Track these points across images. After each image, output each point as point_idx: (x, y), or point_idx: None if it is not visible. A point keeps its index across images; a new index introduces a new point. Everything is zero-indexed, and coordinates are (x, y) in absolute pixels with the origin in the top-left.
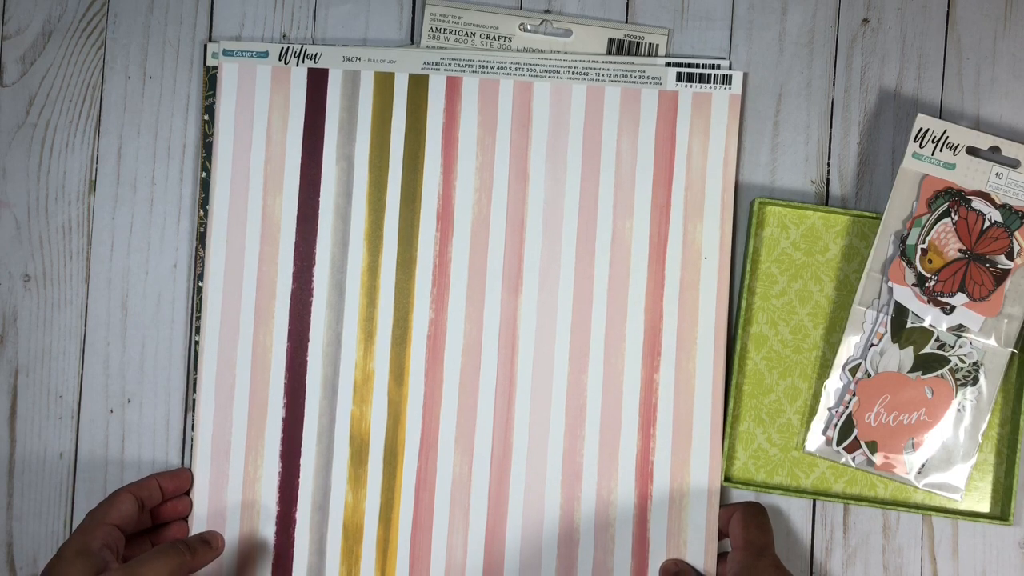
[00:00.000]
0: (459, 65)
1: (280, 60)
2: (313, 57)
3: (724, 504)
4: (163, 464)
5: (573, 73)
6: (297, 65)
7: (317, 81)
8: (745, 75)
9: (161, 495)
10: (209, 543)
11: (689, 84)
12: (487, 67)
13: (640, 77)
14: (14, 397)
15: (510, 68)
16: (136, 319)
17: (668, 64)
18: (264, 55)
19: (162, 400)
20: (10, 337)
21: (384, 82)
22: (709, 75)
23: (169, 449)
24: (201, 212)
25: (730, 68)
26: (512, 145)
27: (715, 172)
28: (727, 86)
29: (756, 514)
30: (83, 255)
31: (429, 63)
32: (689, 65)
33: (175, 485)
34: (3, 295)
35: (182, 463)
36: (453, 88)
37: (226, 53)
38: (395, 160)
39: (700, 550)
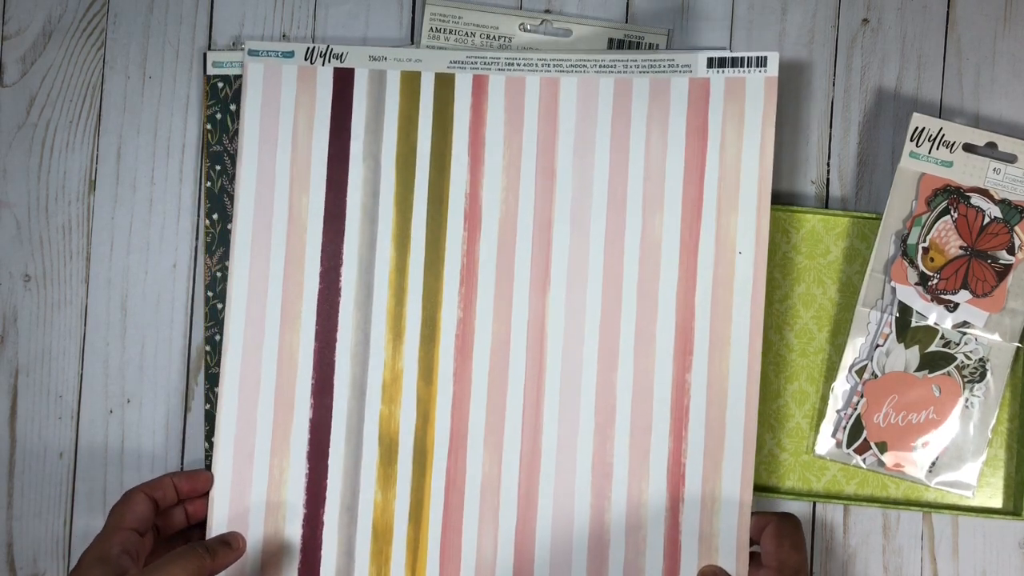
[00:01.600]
0: (485, 63)
1: (306, 60)
2: (339, 57)
3: (757, 512)
4: (163, 465)
5: (600, 67)
6: (323, 65)
7: (343, 81)
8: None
9: (176, 495)
10: (229, 544)
11: (721, 70)
12: (513, 64)
13: (669, 66)
14: (14, 397)
15: (536, 65)
16: (136, 319)
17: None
18: (290, 55)
19: (162, 400)
20: (10, 337)
21: (410, 81)
22: (742, 58)
23: (169, 449)
24: (207, 221)
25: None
26: (539, 142)
27: (751, 161)
28: (762, 69)
29: (791, 531)
30: (83, 255)
31: (455, 62)
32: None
33: (190, 486)
34: (3, 295)
35: (181, 463)
36: (479, 86)
37: (251, 53)
38: (422, 159)
39: (732, 558)
